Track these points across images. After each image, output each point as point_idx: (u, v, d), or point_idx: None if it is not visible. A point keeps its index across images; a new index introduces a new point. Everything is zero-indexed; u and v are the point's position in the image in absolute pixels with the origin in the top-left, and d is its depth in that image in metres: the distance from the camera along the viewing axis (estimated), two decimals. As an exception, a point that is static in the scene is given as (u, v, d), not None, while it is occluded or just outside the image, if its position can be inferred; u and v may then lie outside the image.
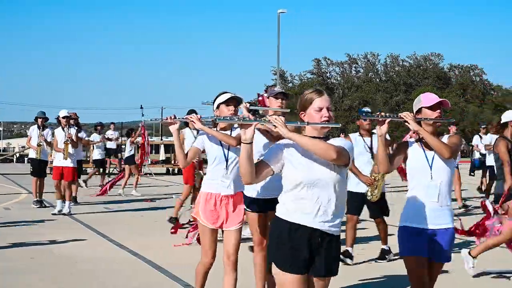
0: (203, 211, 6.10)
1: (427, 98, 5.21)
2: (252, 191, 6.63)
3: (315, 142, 4.01)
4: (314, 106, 4.20)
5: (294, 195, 4.17)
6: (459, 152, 9.38)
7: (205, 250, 6.07)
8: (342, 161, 4.06)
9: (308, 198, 4.13)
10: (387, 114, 5.02)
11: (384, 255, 9.06)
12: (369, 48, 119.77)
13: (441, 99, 5.16)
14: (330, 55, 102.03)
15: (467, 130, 69.96)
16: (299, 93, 76.05)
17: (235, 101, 6.14)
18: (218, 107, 6.15)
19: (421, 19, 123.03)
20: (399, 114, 5.06)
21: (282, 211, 4.23)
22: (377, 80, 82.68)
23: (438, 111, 5.13)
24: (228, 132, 6.23)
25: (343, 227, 7.51)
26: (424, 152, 5.15)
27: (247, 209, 6.61)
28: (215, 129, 6.36)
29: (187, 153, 6.17)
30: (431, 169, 5.09)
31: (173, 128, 6.12)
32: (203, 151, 6.28)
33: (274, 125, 4.08)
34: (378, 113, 5.04)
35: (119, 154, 25.39)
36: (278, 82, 54.51)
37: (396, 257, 8.61)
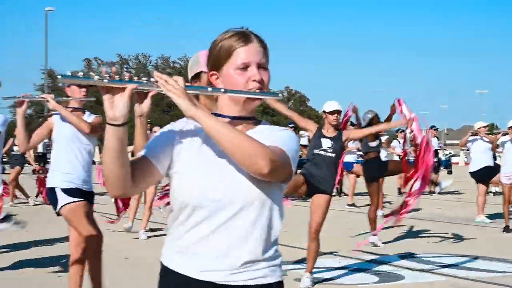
0: None
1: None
2: None
3: (235, 136, 2.24)
4: (236, 61, 2.42)
5: (182, 225, 2.43)
6: None
7: None
8: (276, 177, 2.32)
9: (204, 233, 2.40)
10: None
11: None
12: (141, 49, 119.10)
13: None
14: (101, 55, 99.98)
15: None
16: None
17: None
18: None
19: (191, 21, 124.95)
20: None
21: (167, 255, 2.51)
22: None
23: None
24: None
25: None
26: None
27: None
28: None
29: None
30: None
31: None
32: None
33: (162, 91, 2.30)
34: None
35: None
36: (46, 82, 52.15)
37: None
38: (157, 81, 2.28)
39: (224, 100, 2.47)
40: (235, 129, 2.28)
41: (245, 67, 2.41)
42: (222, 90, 2.38)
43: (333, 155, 7.71)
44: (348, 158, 17.76)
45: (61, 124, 6.01)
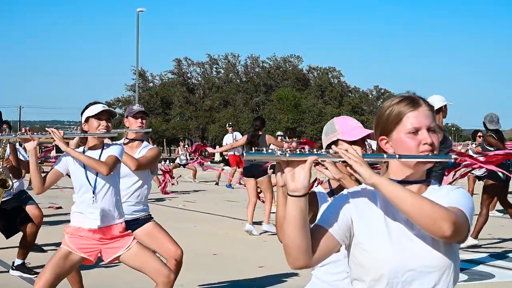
0: (74, 244, 4.99)
1: (347, 127, 3.53)
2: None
3: (417, 201, 2.27)
4: (406, 125, 2.46)
5: None
6: None
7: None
8: (458, 237, 2.32)
9: None
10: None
11: None
12: (230, 49, 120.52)
13: (367, 131, 3.50)
14: (190, 55, 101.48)
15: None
16: (160, 92, 77.58)
17: (107, 115, 5.12)
18: (87, 120, 5.12)
19: (280, 21, 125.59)
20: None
21: None
22: (238, 80, 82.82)
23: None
24: (97, 153, 5.10)
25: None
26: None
27: None
28: (81, 149, 5.20)
29: (45, 176, 5.02)
30: None
31: (30, 146, 4.97)
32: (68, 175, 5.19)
33: (345, 161, 2.37)
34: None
35: None
36: (137, 81, 53.35)
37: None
38: (336, 152, 2.36)
39: (395, 164, 2.49)
40: (416, 194, 2.31)
41: (416, 131, 2.45)
42: (397, 156, 2.42)
43: None
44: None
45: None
